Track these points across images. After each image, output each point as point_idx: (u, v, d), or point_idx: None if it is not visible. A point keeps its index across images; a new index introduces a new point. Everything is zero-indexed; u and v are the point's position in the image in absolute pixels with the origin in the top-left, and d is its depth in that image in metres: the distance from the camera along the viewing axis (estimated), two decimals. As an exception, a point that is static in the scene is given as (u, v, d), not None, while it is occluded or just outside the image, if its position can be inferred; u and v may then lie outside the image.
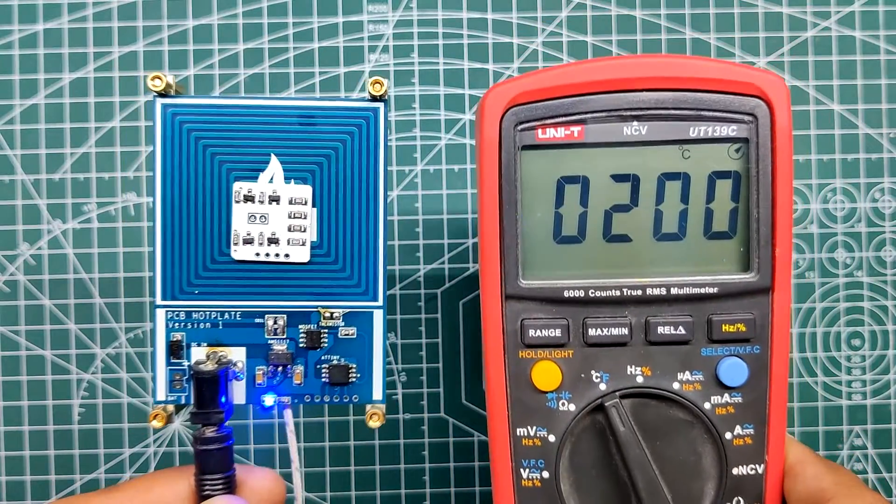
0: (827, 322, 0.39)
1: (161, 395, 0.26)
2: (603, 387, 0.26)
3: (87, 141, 0.38)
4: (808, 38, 0.39)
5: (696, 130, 0.25)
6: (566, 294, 0.25)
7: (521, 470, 0.26)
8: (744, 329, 0.25)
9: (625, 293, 0.25)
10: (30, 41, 0.38)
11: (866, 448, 0.39)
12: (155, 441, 0.38)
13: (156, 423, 0.25)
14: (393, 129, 0.39)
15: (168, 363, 0.26)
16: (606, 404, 0.25)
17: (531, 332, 0.26)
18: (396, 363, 0.39)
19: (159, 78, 0.25)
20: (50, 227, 0.38)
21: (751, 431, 0.26)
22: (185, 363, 0.26)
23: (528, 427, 0.26)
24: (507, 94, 0.25)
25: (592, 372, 0.26)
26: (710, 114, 0.25)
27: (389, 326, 0.38)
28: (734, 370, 0.26)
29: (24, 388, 0.38)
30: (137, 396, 0.38)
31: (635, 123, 0.25)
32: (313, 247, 0.26)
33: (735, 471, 0.26)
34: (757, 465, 0.26)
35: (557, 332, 0.26)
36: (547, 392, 0.26)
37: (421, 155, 0.38)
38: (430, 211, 0.38)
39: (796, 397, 0.39)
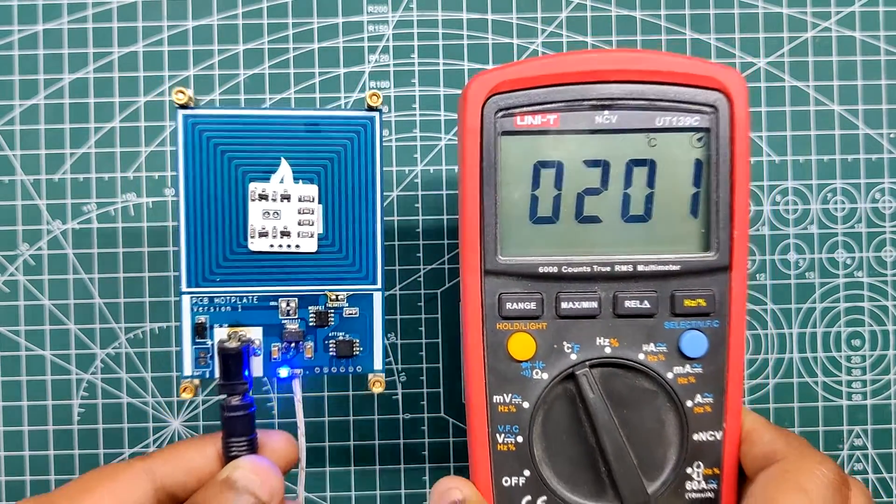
0: (827, 322, 0.39)
1: (188, 371, 0.29)
2: (574, 357, 0.27)
3: (87, 141, 0.38)
4: (808, 39, 0.39)
5: (662, 120, 0.27)
6: (541, 270, 0.27)
7: (497, 435, 0.27)
8: (704, 304, 0.27)
9: (594, 270, 0.27)
10: (30, 42, 0.38)
11: (866, 448, 0.39)
12: (155, 441, 0.38)
13: (185, 395, 0.29)
14: (393, 130, 0.39)
15: (193, 343, 0.29)
16: (577, 373, 0.27)
17: (508, 305, 0.27)
18: (396, 363, 0.39)
19: (182, 92, 0.28)
20: (50, 228, 0.38)
21: (710, 400, 0.27)
22: (209, 342, 0.29)
23: (504, 395, 0.27)
24: (489, 83, 0.27)
25: (564, 343, 0.27)
26: (675, 105, 0.27)
27: (390, 327, 0.38)
28: (695, 342, 0.27)
29: (23, 388, 0.38)
30: (137, 397, 0.38)
31: (606, 112, 0.27)
32: (320, 238, 0.29)
33: (695, 437, 0.27)
34: (716, 432, 0.27)
35: (532, 306, 0.27)
36: (522, 361, 0.27)
37: (421, 155, 0.38)
38: (430, 211, 0.38)
39: (796, 397, 0.39)
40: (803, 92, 0.39)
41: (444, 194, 0.39)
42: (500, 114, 0.27)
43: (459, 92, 0.39)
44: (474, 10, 0.39)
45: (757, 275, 0.39)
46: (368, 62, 0.39)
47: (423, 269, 0.38)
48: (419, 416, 0.39)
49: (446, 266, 0.39)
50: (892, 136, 0.39)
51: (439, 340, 0.39)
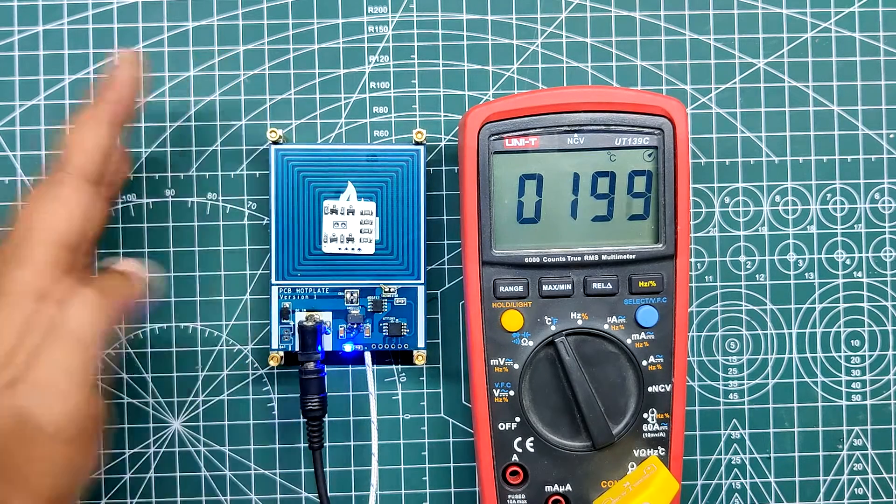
0: (826, 323, 0.39)
1: (275, 345, 0.37)
2: (553, 328, 0.34)
3: (88, 142, 0.38)
4: (807, 39, 0.39)
5: (620, 140, 0.34)
6: (526, 260, 0.34)
7: (494, 390, 0.34)
8: (654, 285, 0.34)
9: (568, 259, 0.34)
10: (30, 42, 0.38)
11: (866, 448, 0.39)
12: (155, 442, 0.38)
13: (272, 363, 0.37)
14: (393, 131, 0.39)
15: (280, 323, 0.37)
16: (556, 340, 0.34)
17: (501, 288, 0.34)
18: (396, 363, 0.39)
19: (274, 132, 0.36)
20: (50, 228, 0.38)
21: (661, 360, 0.34)
22: (291, 323, 0.37)
23: (499, 358, 0.34)
24: (483, 114, 0.34)
25: (545, 317, 0.34)
26: (630, 128, 0.34)
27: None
28: (648, 314, 0.34)
29: (24, 388, 0.38)
30: (137, 397, 0.38)
31: (576, 135, 0.34)
32: (377, 243, 0.37)
33: (650, 389, 0.34)
34: (666, 385, 0.34)
35: (520, 288, 0.34)
36: (512, 332, 0.34)
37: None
38: (431, 212, 0.38)
39: (795, 398, 0.39)
40: (803, 92, 0.39)
41: (445, 195, 0.39)
42: (493, 137, 0.34)
43: (459, 93, 0.39)
44: (474, 10, 0.39)
45: (756, 275, 0.39)
46: (368, 63, 0.39)
47: (424, 269, 0.38)
48: (419, 416, 0.39)
49: (446, 266, 0.39)
50: (891, 136, 0.39)
51: (439, 341, 0.39)
